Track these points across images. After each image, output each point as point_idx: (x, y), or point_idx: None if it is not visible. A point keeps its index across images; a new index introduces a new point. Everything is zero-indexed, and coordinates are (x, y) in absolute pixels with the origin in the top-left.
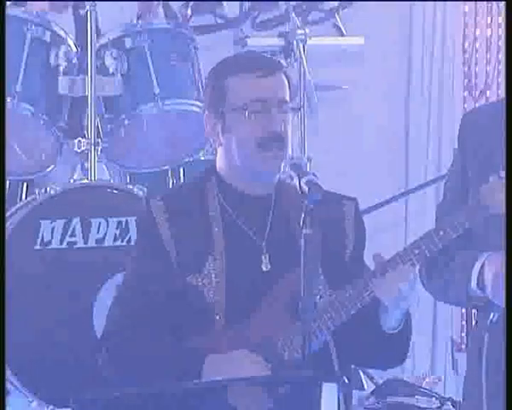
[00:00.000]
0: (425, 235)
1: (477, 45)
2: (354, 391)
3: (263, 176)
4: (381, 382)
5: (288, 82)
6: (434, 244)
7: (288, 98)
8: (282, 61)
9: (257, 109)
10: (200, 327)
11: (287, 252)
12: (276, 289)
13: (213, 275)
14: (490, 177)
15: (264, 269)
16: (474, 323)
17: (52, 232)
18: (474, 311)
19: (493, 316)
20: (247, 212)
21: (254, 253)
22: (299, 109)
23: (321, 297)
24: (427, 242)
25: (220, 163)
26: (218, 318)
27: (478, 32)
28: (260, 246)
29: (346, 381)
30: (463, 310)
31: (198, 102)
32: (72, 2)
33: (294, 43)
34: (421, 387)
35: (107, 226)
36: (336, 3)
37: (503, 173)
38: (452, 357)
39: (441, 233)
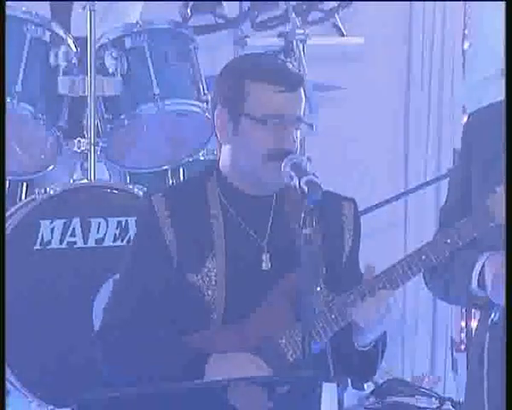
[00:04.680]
0: (432, 242)
1: None
2: (354, 391)
3: (265, 185)
4: (380, 382)
5: (305, 95)
6: (442, 252)
7: (302, 114)
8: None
9: (273, 123)
10: (200, 325)
11: (287, 251)
12: (277, 288)
13: (213, 273)
14: (497, 188)
15: (265, 268)
16: (475, 323)
17: (52, 232)
18: (474, 311)
19: (494, 316)
20: (248, 211)
21: (255, 252)
22: (313, 127)
23: (318, 298)
24: (433, 249)
25: (224, 161)
26: (216, 316)
27: None
28: (261, 245)
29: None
30: (463, 310)
31: (198, 102)
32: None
33: (294, 43)
34: (421, 387)
35: (107, 226)
36: (336, 3)
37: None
38: (452, 357)
39: (448, 241)
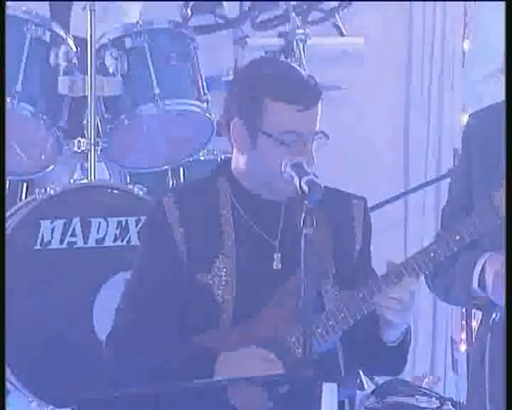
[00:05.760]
0: (439, 239)
1: None
2: None
3: (281, 191)
4: (381, 382)
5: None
6: (450, 249)
7: (318, 127)
8: None
9: (292, 140)
10: (210, 325)
11: (299, 251)
12: (286, 287)
13: (223, 273)
14: (501, 182)
15: (276, 267)
16: (476, 323)
17: (52, 232)
18: (474, 311)
19: (495, 316)
20: (259, 212)
21: (265, 251)
22: (328, 137)
23: (329, 297)
24: (442, 246)
25: (238, 165)
26: (226, 316)
27: None
28: (272, 244)
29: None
30: (463, 310)
31: (198, 102)
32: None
33: (294, 43)
34: (421, 387)
35: (107, 226)
36: (336, 3)
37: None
38: (452, 357)
39: (457, 238)
